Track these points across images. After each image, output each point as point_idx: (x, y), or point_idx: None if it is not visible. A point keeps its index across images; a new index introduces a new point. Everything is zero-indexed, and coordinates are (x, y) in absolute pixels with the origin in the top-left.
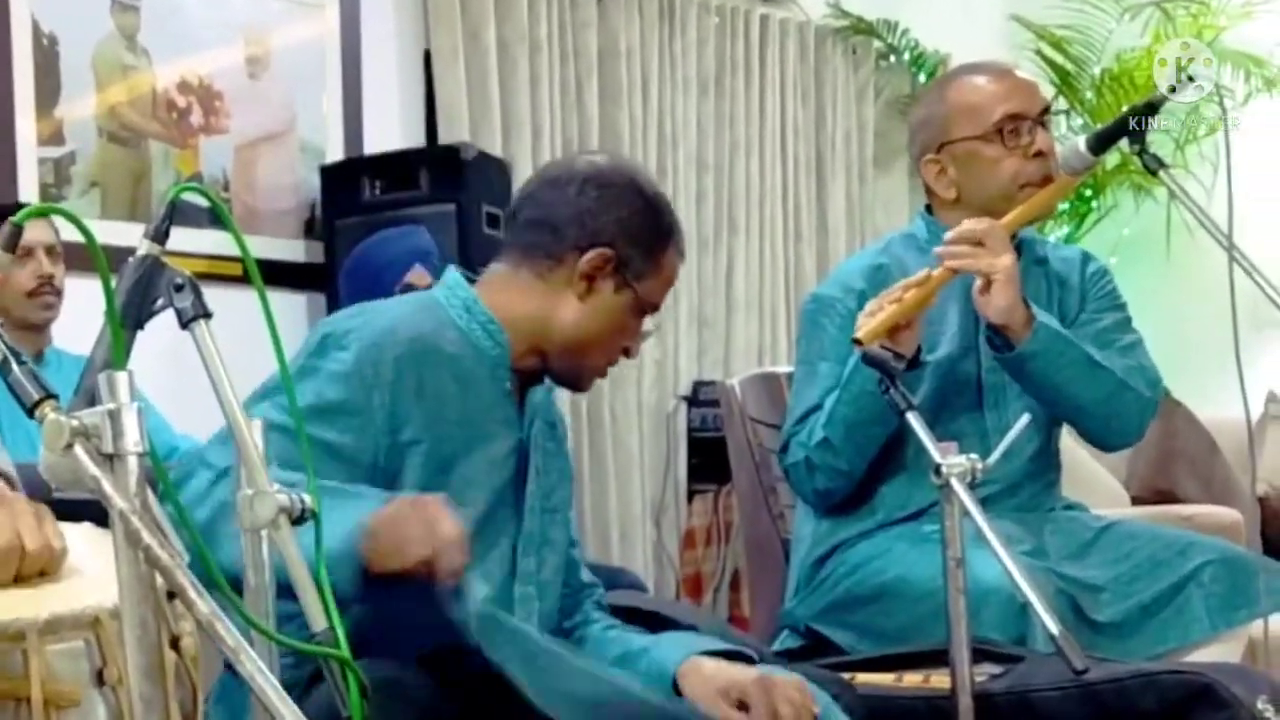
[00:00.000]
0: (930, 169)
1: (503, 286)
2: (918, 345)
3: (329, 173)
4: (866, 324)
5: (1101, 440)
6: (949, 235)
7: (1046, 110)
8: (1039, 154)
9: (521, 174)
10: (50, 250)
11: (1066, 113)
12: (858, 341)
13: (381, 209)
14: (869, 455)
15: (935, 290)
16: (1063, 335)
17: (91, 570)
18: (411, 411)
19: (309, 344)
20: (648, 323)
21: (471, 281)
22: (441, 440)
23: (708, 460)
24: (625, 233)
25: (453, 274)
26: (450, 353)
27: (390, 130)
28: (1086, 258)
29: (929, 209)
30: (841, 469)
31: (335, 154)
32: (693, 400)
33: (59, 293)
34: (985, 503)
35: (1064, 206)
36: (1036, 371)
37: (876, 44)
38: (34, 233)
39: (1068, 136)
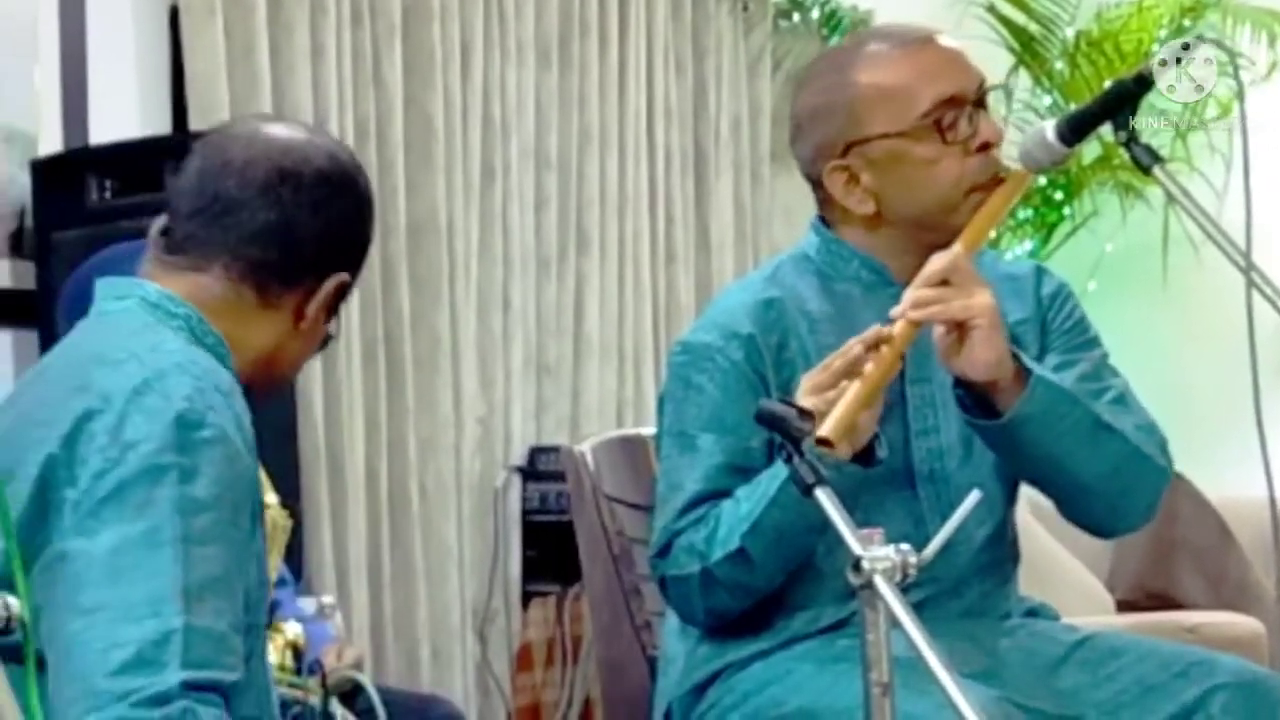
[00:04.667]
0: (836, 179)
1: (225, 309)
2: (874, 432)
3: (43, 170)
4: (827, 413)
5: (1105, 524)
6: (912, 288)
7: (983, 87)
8: (985, 146)
9: None
10: None
11: (1010, 94)
12: (826, 443)
13: (113, 217)
14: (791, 570)
15: (901, 355)
16: (1065, 392)
17: None
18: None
19: (155, 434)
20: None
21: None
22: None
23: (549, 553)
24: (358, 251)
25: (131, 283)
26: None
27: (125, 114)
28: (1041, 273)
29: (824, 220)
30: (757, 587)
31: (52, 145)
32: (529, 473)
33: None
34: (921, 608)
35: (1025, 214)
36: (1030, 441)
37: None
38: None
39: (1028, 122)
